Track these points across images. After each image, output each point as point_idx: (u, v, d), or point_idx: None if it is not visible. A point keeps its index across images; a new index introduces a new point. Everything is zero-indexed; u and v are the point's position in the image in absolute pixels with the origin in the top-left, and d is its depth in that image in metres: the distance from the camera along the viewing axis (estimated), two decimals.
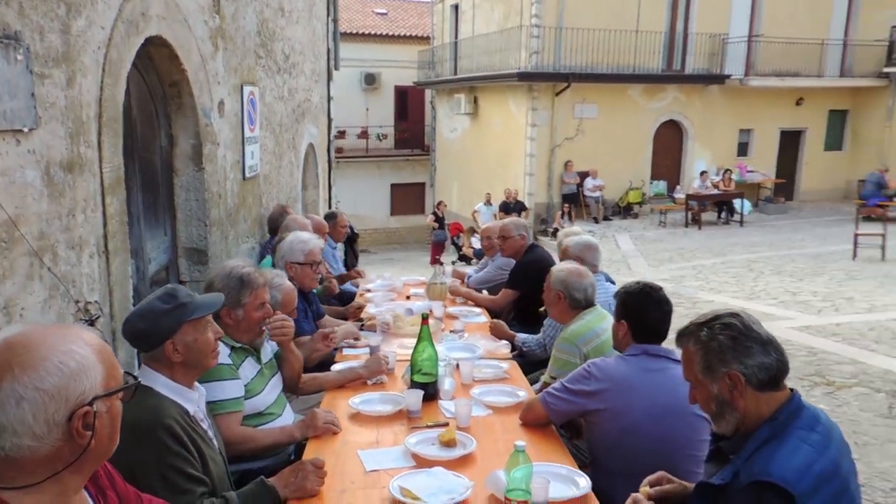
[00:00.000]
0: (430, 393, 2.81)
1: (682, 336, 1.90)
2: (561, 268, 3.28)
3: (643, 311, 2.54)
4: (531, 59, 16.93)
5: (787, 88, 19.27)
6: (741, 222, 17.22)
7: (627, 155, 18.27)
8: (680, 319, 6.04)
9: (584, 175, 17.56)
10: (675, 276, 11.22)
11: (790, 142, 20.52)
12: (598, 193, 17.58)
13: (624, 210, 18.28)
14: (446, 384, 2.90)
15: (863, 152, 20.59)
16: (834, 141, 21.02)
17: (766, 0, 18.87)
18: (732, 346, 1.77)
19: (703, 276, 11.01)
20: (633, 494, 1.90)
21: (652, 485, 1.97)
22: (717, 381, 1.78)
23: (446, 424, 2.58)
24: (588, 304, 3.19)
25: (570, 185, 17.59)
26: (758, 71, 18.71)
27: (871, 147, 20.38)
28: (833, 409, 5.02)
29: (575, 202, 17.57)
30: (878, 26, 19.65)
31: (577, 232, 4.00)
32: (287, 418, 2.78)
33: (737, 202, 17.60)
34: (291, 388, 3.02)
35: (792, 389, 1.81)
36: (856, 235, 12.06)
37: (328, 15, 10.39)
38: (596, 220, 17.43)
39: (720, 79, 18.21)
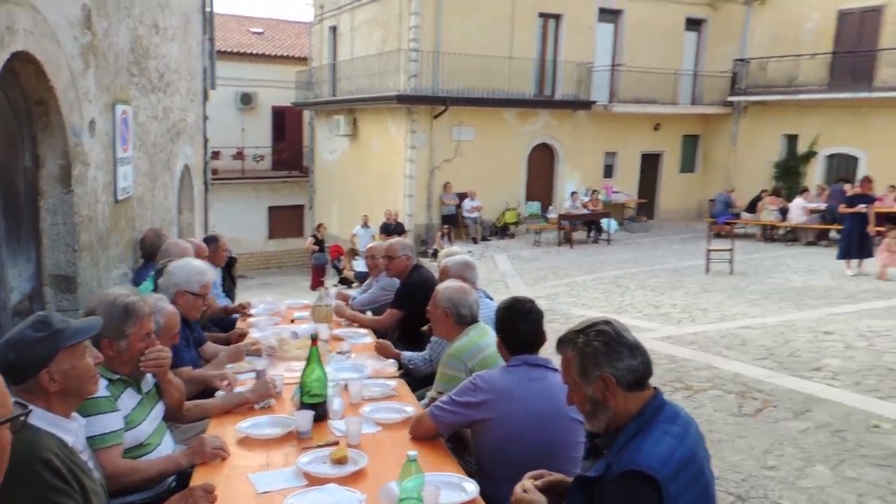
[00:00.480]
0: (320, 413, 2.85)
1: (561, 343, 2.08)
2: (447, 286, 3.41)
3: (512, 323, 2.72)
4: (410, 83, 17.26)
5: (646, 114, 20.76)
6: (609, 240, 18.26)
7: (503, 176, 18.96)
8: (555, 335, 6.34)
9: (462, 196, 18.04)
10: (550, 293, 11.73)
11: (650, 164, 22.06)
12: (476, 214, 18.09)
13: (501, 230, 18.91)
14: (335, 404, 2.94)
15: (713, 174, 22.49)
16: (688, 163, 22.82)
17: (626, 33, 20.31)
18: (605, 351, 1.96)
19: (575, 293, 11.58)
20: (522, 482, 2.06)
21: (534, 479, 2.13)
22: (592, 384, 1.97)
23: (337, 443, 2.62)
24: (473, 319, 3.34)
25: (449, 207, 17.99)
26: (620, 98, 20.04)
27: (720, 169, 22.31)
28: (692, 410, 5.46)
29: (454, 223, 17.98)
30: (723, 60, 21.64)
31: (455, 252, 4.17)
32: (166, 448, 2.72)
33: (604, 221, 18.66)
34: (174, 417, 2.95)
35: (656, 388, 2.02)
36: (708, 251, 13.15)
37: (204, 33, 10.15)
38: (475, 241, 17.90)
39: (587, 105, 19.35)
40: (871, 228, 11.98)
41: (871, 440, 4.77)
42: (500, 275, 14.31)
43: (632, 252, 16.63)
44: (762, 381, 6.17)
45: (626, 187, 21.34)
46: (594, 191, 19.31)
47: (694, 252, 15.31)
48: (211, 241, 5.70)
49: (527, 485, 2.07)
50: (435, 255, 17.73)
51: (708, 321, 8.98)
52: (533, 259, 16.14)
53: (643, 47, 20.29)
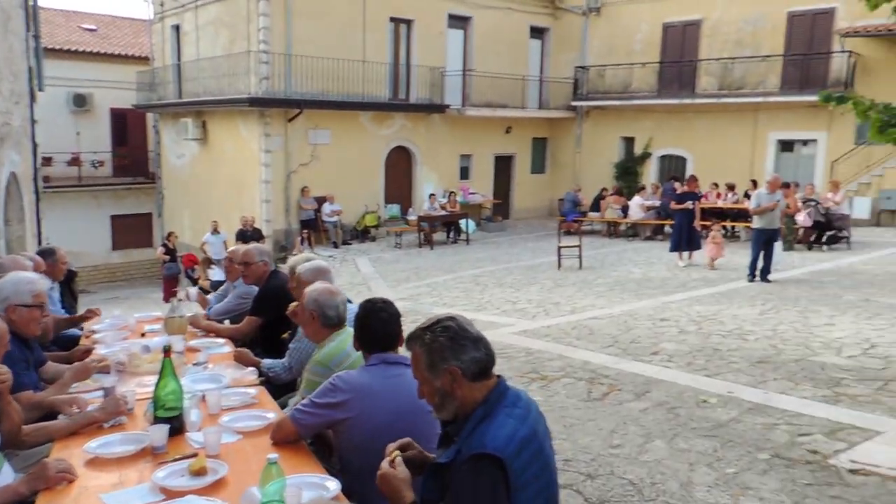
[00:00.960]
0: (176, 427, 2.76)
1: (410, 340, 2.18)
2: (314, 287, 3.40)
3: (368, 323, 2.79)
4: (261, 85, 16.83)
5: (497, 118, 21.56)
6: (468, 240, 18.79)
7: (362, 180, 18.97)
8: None
9: (321, 200, 17.84)
10: (412, 294, 11.90)
11: (503, 166, 22.94)
12: (335, 218, 17.97)
13: (362, 233, 18.90)
14: (193, 416, 2.87)
15: (561, 174, 23.77)
16: (538, 165, 23.96)
17: (475, 39, 20.98)
18: (451, 345, 2.08)
19: (437, 293, 11.83)
20: (389, 455, 2.15)
21: (401, 449, 2.23)
22: (440, 377, 2.08)
23: (195, 455, 2.56)
24: (340, 321, 3.34)
25: (307, 211, 17.74)
26: (472, 102, 20.69)
27: (567, 170, 23.62)
28: (546, 399, 5.80)
29: (314, 227, 17.76)
30: (566, 66, 22.95)
31: (307, 258, 4.14)
32: (5, 478, 2.53)
33: (463, 222, 19.18)
34: (13, 444, 2.74)
35: (499, 376, 2.17)
36: (559, 248, 13.90)
37: (27, 30, 9.35)
38: (335, 245, 17.78)
39: (441, 108, 19.80)
40: (698, 223, 13.22)
41: (700, 414, 5.29)
42: (362, 278, 14.31)
43: (490, 251, 17.22)
44: (608, 367, 6.65)
45: (481, 188, 22.04)
46: (451, 192, 19.79)
47: (547, 249, 16.10)
48: (48, 254, 5.29)
49: (396, 458, 2.16)
50: None
51: (560, 314, 9.50)
52: (394, 261, 16.27)
53: (492, 53, 21.07)
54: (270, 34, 16.80)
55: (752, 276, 11.01)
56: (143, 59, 23.63)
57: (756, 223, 10.95)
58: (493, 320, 9.30)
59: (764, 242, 10.84)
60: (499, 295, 11.25)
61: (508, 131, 22.45)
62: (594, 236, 19.00)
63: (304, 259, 4.10)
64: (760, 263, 10.95)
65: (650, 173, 21.91)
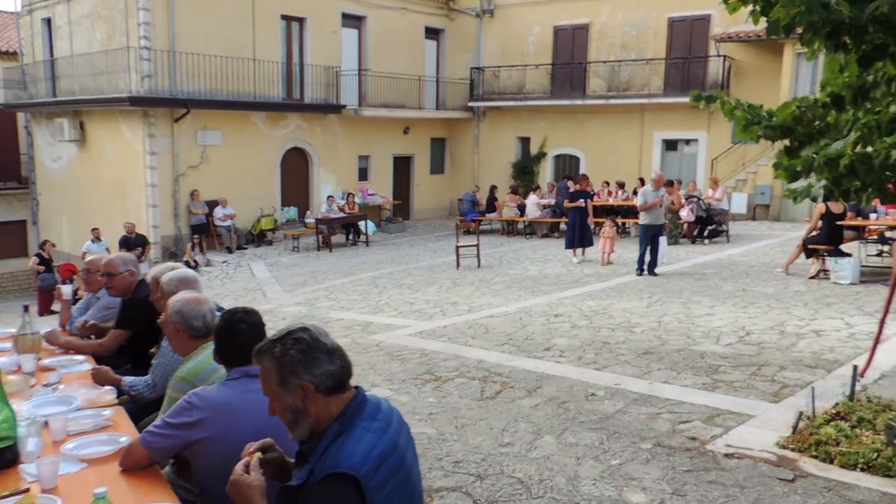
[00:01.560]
0: (9, 459, 2.47)
1: (259, 353, 2.01)
2: (177, 298, 3.17)
3: (229, 334, 2.60)
4: (144, 83, 15.97)
5: (395, 118, 21.45)
6: (367, 242, 18.57)
7: (256, 182, 18.37)
8: None
9: (213, 204, 17.14)
10: (309, 298, 11.59)
11: (402, 166, 22.84)
12: (229, 222, 17.31)
13: (258, 238, 18.31)
14: (30, 445, 2.58)
15: (460, 174, 23.94)
16: (437, 165, 24.02)
17: (370, 39, 20.77)
18: (302, 358, 1.94)
19: (334, 297, 11.57)
20: (246, 458, 1.97)
21: (262, 451, 2.06)
22: (291, 393, 1.93)
23: (27, 490, 2.29)
24: (208, 331, 3.11)
25: (198, 216, 17.00)
26: (369, 102, 20.48)
27: (466, 170, 23.81)
28: (439, 400, 5.73)
29: (206, 232, 17.03)
30: (461, 67, 23.13)
31: (171, 267, 3.86)
32: None
33: (362, 224, 18.94)
34: None
35: (357, 387, 2.04)
36: (457, 248, 13.94)
37: None
38: (230, 250, 17.13)
39: (337, 108, 19.47)
40: (591, 220, 13.60)
41: (588, 407, 5.36)
42: (257, 283, 13.84)
43: (389, 252, 17.08)
44: (502, 365, 6.66)
45: (381, 189, 21.86)
46: (350, 194, 19.51)
47: (447, 249, 16.13)
48: None
49: (253, 462, 1.99)
50: (187, 267, 16.64)
51: (457, 314, 9.49)
52: (292, 265, 15.86)
53: (387, 53, 20.93)
54: (152, 29, 15.96)
55: (640, 271, 11.41)
56: (11, 55, 21.95)
57: (643, 219, 11.37)
58: (391, 322, 9.18)
59: (650, 237, 11.27)
60: (397, 296, 11.13)
61: (407, 132, 22.39)
62: (493, 235, 19.23)
63: (167, 268, 3.82)
64: (648, 258, 11.36)
65: (546, 172, 22.42)
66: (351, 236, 18.88)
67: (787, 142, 4.82)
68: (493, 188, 19.90)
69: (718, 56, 19.18)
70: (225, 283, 14.48)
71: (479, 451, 4.62)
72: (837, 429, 4.29)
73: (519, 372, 6.42)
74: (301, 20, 18.96)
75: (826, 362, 6.18)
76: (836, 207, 9.80)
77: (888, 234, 11.09)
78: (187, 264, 16.15)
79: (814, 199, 4.08)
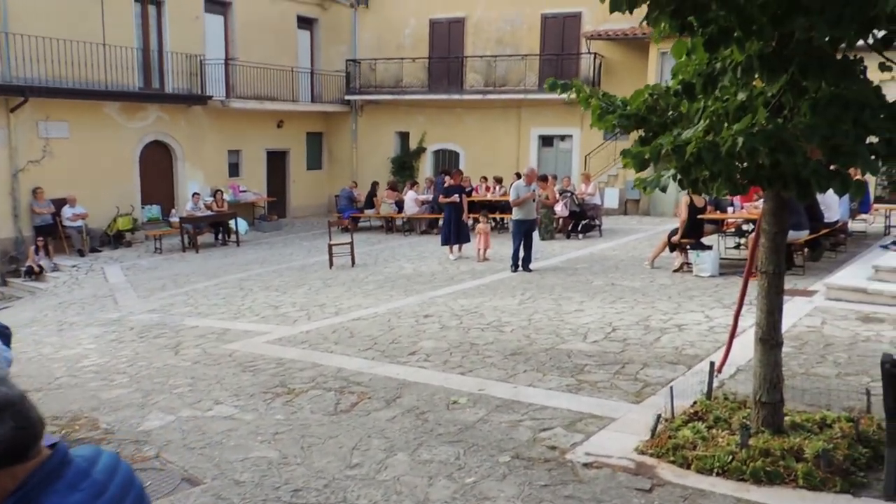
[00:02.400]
0: None
1: None
2: None
3: None
4: None
5: (267, 111, 20.46)
6: (238, 242, 17.57)
7: (112, 178, 16.91)
8: (161, 351, 5.43)
9: (60, 203, 15.59)
10: (165, 304, 10.67)
11: (277, 162, 21.87)
12: (79, 223, 15.81)
13: (114, 239, 16.87)
14: None
15: (338, 170, 23.25)
16: (314, 161, 23.20)
17: (238, 27, 19.68)
18: None
19: (193, 302, 10.71)
20: None
21: None
22: None
23: None
24: None
25: (43, 216, 15.42)
26: (238, 94, 19.39)
27: (345, 165, 23.17)
28: (287, 417, 5.21)
29: (52, 234, 15.47)
30: (337, 59, 22.43)
31: None
32: None
33: (233, 222, 17.90)
34: None
35: (55, 447, 1.49)
36: (329, 246, 13.35)
37: None
38: (81, 253, 15.66)
39: (202, 99, 18.28)
40: (466, 216, 13.40)
41: (448, 417, 5.02)
42: (109, 289, 12.67)
43: (261, 252, 16.22)
44: (362, 373, 6.22)
45: (254, 186, 20.82)
46: (218, 190, 18.38)
47: (322, 248, 15.44)
48: None
49: None
50: (30, 273, 15.07)
51: (324, 316, 8.96)
52: (152, 268, 14.69)
53: (257, 43, 19.92)
54: None
55: (514, 267, 11.30)
56: None
57: (515, 214, 11.27)
58: (250, 329, 8.52)
59: (524, 233, 11.18)
60: (262, 300, 10.44)
61: (280, 125, 21.44)
62: (372, 232, 18.74)
63: None
64: (522, 253, 11.27)
65: (426, 168, 22.17)
66: (220, 236, 17.80)
67: (641, 132, 4.68)
68: (374, 184, 19.37)
69: (589, 53, 19.59)
70: (73, 290, 13.18)
71: (324, 476, 4.16)
72: (694, 430, 4.16)
73: (379, 380, 6.00)
74: (158, 3, 17.61)
75: (687, 358, 6.17)
76: (699, 201, 10.06)
77: (745, 227, 11.55)
78: (30, 270, 14.63)
79: (663, 189, 3.92)
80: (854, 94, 3.50)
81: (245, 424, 5.10)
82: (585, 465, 4.10)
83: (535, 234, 11.51)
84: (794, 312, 7.40)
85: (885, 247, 10.04)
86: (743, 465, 3.71)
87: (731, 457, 3.80)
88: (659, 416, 4.32)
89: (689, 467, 3.88)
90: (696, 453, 3.92)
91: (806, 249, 10.23)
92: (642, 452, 4.13)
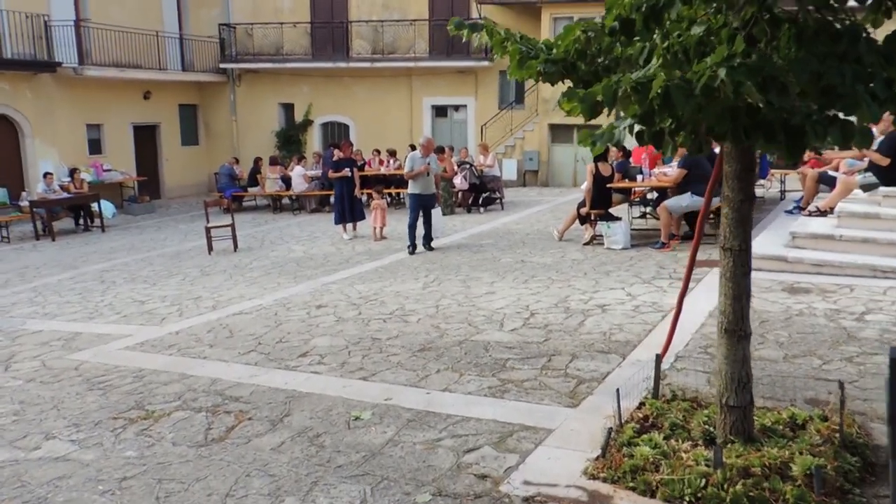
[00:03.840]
0: None
1: None
2: None
3: None
4: None
5: (131, 80, 18.37)
6: (102, 227, 15.65)
7: None
8: None
9: None
10: (4, 304, 8.99)
11: (146, 137, 19.82)
12: None
13: None
14: None
15: (218, 145, 21.43)
16: (189, 135, 21.25)
17: None
18: None
19: (41, 299, 9.09)
20: None
21: None
22: None
23: None
24: None
25: None
26: (95, 60, 17.20)
27: (224, 140, 21.37)
28: (142, 452, 4.07)
29: None
30: (208, 24, 20.48)
31: None
32: None
33: (96, 205, 15.91)
34: None
35: None
36: (207, 229, 11.92)
37: None
38: None
39: (50, 66, 16.06)
40: (359, 192, 12.29)
41: (350, 440, 4.05)
42: None
43: (130, 238, 14.46)
44: (242, 384, 5.12)
45: (120, 164, 18.75)
46: (75, 170, 16.28)
47: (201, 231, 13.94)
48: None
49: None
50: None
51: (199, 312, 7.70)
52: None
53: (114, 4, 17.76)
54: None
55: (412, 247, 10.33)
56: None
57: (411, 188, 10.36)
58: (106, 332, 7.14)
59: (421, 209, 10.27)
60: (126, 294, 8.99)
61: (147, 97, 19.37)
62: (258, 212, 17.26)
63: None
64: (421, 231, 10.36)
65: (314, 141, 20.80)
66: (82, 221, 15.78)
67: (569, 83, 3.84)
68: (257, 160, 17.77)
69: (480, 19, 18.75)
70: None
71: None
72: (652, 444, 3.42)
73: (263, 392, 4.93)
74: None
75: (618, 345, 5.48)
76: (605, 169, 9.48)
77: (649, 195, 11.17)
78: None
79: (616, 145, 3.09)
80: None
81: (83, 468, 3.92)
82: (526, 499, 3.26)
83: (437, 211, 10.61)
84: (715, 285, 6.92)
85: (790, 212, 9.88)
86: (721, 492, 2.99)
87: (703, 480, 3.08)
88: (610, 431, 3.55)
89: (653, 495, 3.13)
90: (661, 477, 3.17)
91: (712, 217, 9.91)
92: (593, 477, 3.34)
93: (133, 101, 18.91)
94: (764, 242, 7.86)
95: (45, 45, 15.99)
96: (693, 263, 4.25)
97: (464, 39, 4.08)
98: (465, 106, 19.86)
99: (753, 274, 7.28)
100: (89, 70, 16.84)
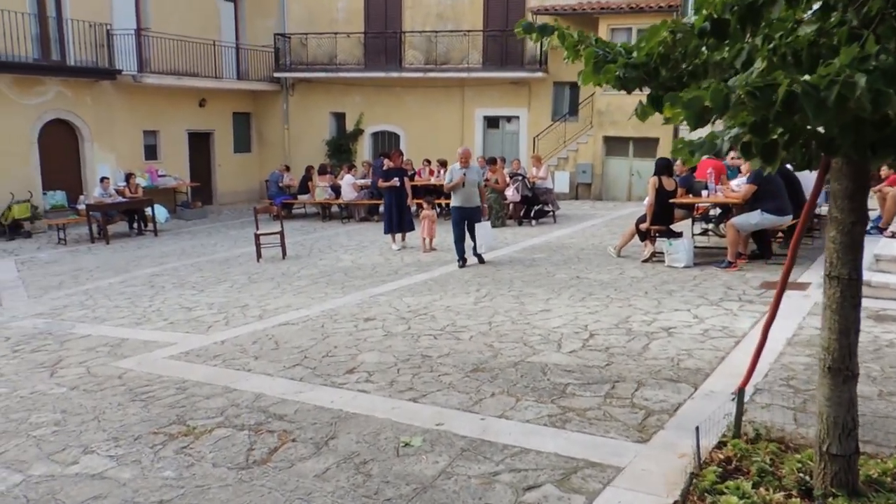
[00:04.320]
0: None
1: None
2: None
3: None
4: None
5: (188, 88, 18.62)
6: (155, 232, 15.81)
7: (5, 161, 14.88)
8: (32, 372, 3.71)
9: None
10: (57, 306, 9.01)
11: (200, 144, 20.05)
12: None
13: (10, 229, 14.90)
14: None
15: (269, 153, 21.56)
16: (242, 143, 21.44)
17: None
18: None
19: (91, 303, 9.10)
20: None
21: None
22: None
23: None
24: None
25: None
26: (154, 68, 17.48)
27: (276, 148, 21.49)
28: (181, 473, 3.84)
29: None
30: (264, 34, 20.66)
31: None
32: None
33: (150, 210, 16.11)
34: None
35: None
36: (256, 236, 11.85)
37: None
38: None
39: (111, 74, 16.37)
40: (410, 201, 12.07)
41: (399, 469, 3.76)
42: None
43: (181, 243, 14.54)
44: (286, 401, 4.89)
45: (175, 170, 18.99)
46: (131, 174, 16.51)
47: (251, 238, 13.95)
48: None
49: None
50: None
51: (245, 321, 7.54)
52: (52, 261, 12.86)
53: (173, 13, 18.03)
54: None
55: (461, 262, 9.95)
56: None
57: (453, 201, 10.04)
58: (152, 338, 7.03)
59: (464, 221, 9.92)
60: (174, 300, 8.92)
61: (203, 104, 19.61)
62: (308, 220, 17.24)
63: None
64: (471, 243, 10.04)
65: (364, 151, 20.74)
66: (136, 225, 15.98)
67: (648, 91, 3.49)
68: (308, 168, 17.76)
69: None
70: None
71: None
72: (740, 494, 3.03)
73: (308, 411, 4.68)
74: None
75: (688, 373, 5.06)
76: (668, 184, 9.03)
77: (712, 211, 10.66)
78: None
79: (718, 155, 2.73)
80: None
81: (119, 487, 3.72)
82: None
83: (485, 223, 10.20)
84: (794, 311, 6.43)
85: (868, 232, 9.23)
86: None
87: None
88: (692, 477, 3.16)
89: None
90: None
91: (781, 236, 9.36)
92: None
93: (189, 109, 19.16)
94: None
95: (106, 52, 16.31)
96: (784, 288, 3.83)
97: (533, 42, 3.77)
98: (517, 117, 19.53)
99: None
100: (148, 78, 17.11)
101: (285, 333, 6.86)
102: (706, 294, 7.46)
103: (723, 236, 10.91)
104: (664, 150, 17.41)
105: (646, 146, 17.63)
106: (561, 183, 17.80)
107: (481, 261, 10.06)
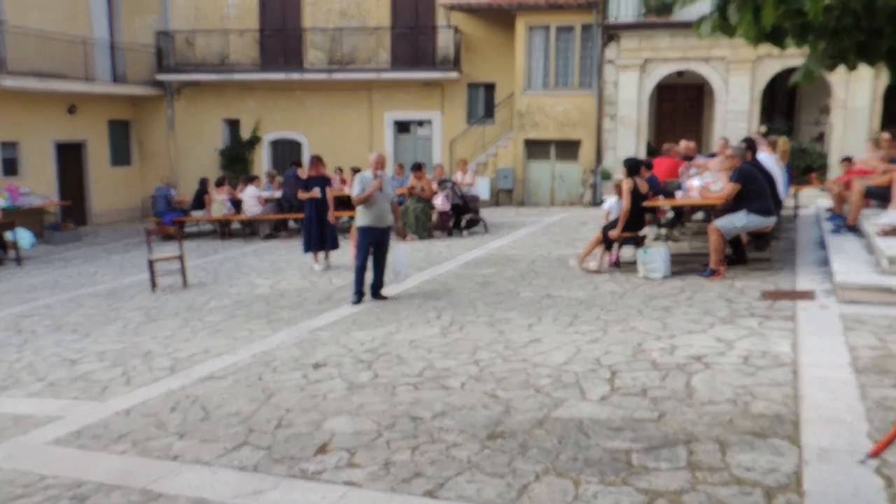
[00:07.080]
0: None
1: None
2: None
3: None
4: None
5: (53, 93, 16.14)
6: (19, 260, 13.38)
7: None
8: None
9: None
10: None
11: (71, 157, 17.53)
12: None
13: None
14: None
15: (153, 165, 19.30)
16: (121, 155, 19.03)
17: None
18: None
19: None
20: None
21: None
22: None
23: None
24: None
25: None
26: (10, 69, 14.94)
27: (161, 159, 19.27)
28: None
29: None
30: (144, 31, 18.43)
31: None
32: None
33: (11, 234, 13.62)
34: None
35: None
36: (150, 262, 9.96)
37: None
38: None
39: None
40: (332, 214, 10.50)
41: None
42: None
43: (53, 273, 12.29)
44: None
45: (40, 187, 16.44)
46: None
47: (139, 263, 11.99)
48: None
49: None
50: None
51: (153, 377, 5.85)
52: None
53: (34, 6, 15.55)
54: None
55: (357, 296, 7.86)
56: None
57: (360, 219, 7.81)
58: (25, 411, 5.24)
59: (372, 246, 7.83)
60: (51, 349, 7.03)
61: (73, 111, 17.13)
62: (204, 239, 15.24)
63: None
64: (370, 276, 7.98)
65: (262, 161, 18.89)
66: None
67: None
68: (203, 181, 15.66)
69: (448, 27, 17.40)
70: None
71: None
72: None
73: None
74: None
75: (770, 422, 3.98)
76: (643, 186, 8.09)
77: (668, 215, 9.91)
78: None
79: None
80: None
81: None
82: None
83: (402, 247, 8.39)
84: (825, 327, 5.56)
85: (836, 231, 8.72)
86: None
87: None
88: None
89: None
90: None
91: (751, 238, 8.66)
92: None
93: (56, 116, 16.65)
94: (847, 269, 6.59)
95: None
96: None
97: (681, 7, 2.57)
98: (430, 121, 18.36)
99: (857, 309, 6.02)
100: (4, 80, 14.56)
101: (213, 393, 5.26)
102: (709, 310, 6.50)
103: (678, 241, 10.20)
104: (587, 153, 16.79)
105: (568, 149, 16.95)
106: (481, 189, 16.78)
107: (380, 297, 8.00)
